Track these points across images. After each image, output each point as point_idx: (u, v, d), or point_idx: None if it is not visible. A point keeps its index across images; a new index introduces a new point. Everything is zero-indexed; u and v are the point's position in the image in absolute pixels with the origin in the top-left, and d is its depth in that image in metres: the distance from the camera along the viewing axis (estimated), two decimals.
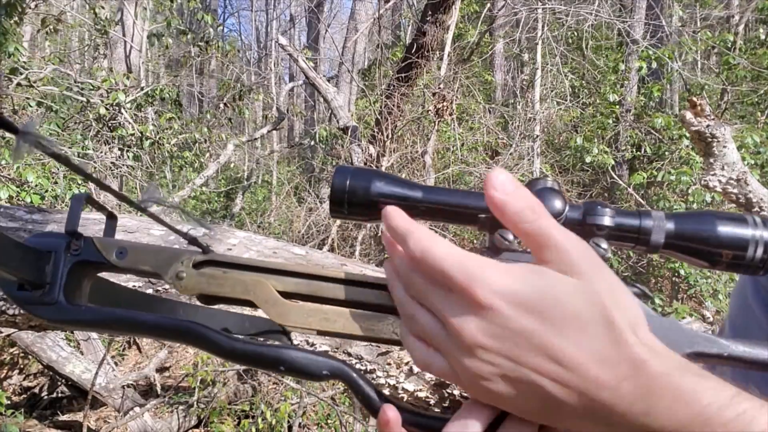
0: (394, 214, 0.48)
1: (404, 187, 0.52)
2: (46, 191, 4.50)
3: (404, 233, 0.46)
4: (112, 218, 0.58)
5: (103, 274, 0.56)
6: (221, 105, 8.10)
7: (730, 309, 0.83)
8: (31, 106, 5.58)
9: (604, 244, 0.50)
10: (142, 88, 6.37)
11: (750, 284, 0.79)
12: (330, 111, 6.82)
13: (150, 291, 1.94)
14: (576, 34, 9.03)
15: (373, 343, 1.84)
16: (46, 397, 5.03)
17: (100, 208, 0.56)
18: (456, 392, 1.35)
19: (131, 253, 0.52)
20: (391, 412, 0.48)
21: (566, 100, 8.26)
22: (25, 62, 5.32)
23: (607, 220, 0.50)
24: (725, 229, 0.49)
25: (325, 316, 0.51)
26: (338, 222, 5.58)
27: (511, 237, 0.50)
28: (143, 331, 0.51)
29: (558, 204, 0.51)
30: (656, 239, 0.50)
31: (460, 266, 0.42)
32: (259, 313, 0.54)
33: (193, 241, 0.54)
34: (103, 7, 6.94)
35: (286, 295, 0.52)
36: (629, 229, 0.50)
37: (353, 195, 0.51)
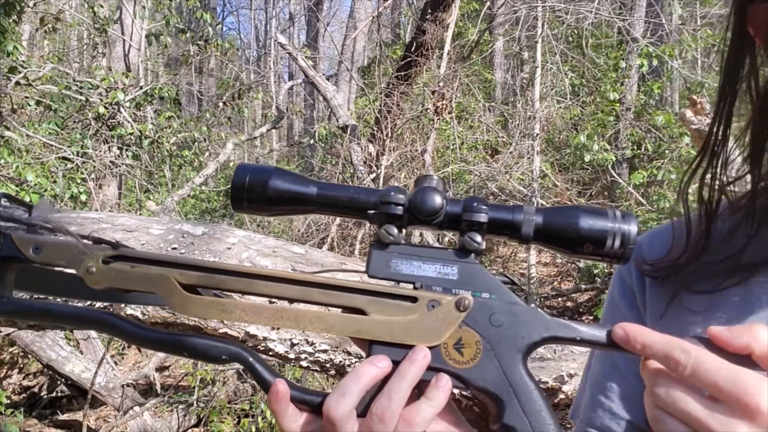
0: (636, 330, 0.52)
1: (300, 183, 0.56)
2: (45, 190, 4.49)
3: (664, 348, 0.49)
4: (28, 207, 0.62)
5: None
6: (220, 104, 8.10)
7: (602, 311, 0.89)
8: (30, 105, 5.57)
9: (479, 238, 0.55)
10: (141, 87, 6.36)
11: (616, 283, 0.84)
12: (329, 109, 6.82)
13: None
14: (576, 32, 9.01)
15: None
16: (45, 396, 5.03)
17: (21, 203, 0.61)
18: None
19: (46, 249, 0.56)
20: (281, 385, 0.53)
21: (566, 99, 8.25)
22: (24, 61, 5.30)
23: (482, 215, 0.54)
24: (587, 222, 0.53)
25: (222, 308, 0.55)
26: (338, 220, 5.57)
27: (395, 232, 0.55)
28: (60, 321, 0.57)
29: (437, 200, 0.54)
30: (526, 232, 0.54)
31: (733, 378, 0.46)
32: None
33: (99, 240, 0.57)
34: (101, 6, 6.93)
35: (190, 288, 0.55)
36: (502, 223, 0.55)
37: (251, 191, 0.55)
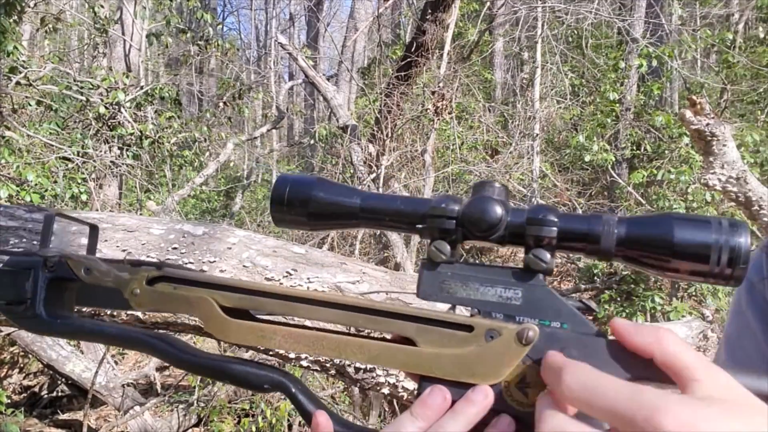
0: (555, 356, 0.45)
1: (344, 195, 0.52)
2: (46, 190, 4.50)
3: (560, 368, 0.44)
4: (94, 229, 0.63)
5: None
6: (221, 104, 8.10)
7: (728, 318, 0.80)
8: (30, 105, 5.58)
9: (547, 256, 0.48)
10: (141, 87, 6.37)
11: (745, 292, 0.76)
12: (329, 110, 6.82)
13: None
14: (576, 32, 9.02)
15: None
16: (46, 396, 5.03)
17: (77, 221, 0.62)
18: None
19: (95, 271, 0.56)
20: (321, 417, 0.49)
21: (566, 99, 8.26)
22: (24, 61, 5.31)
23: (551, 229, 0.47)
24: (684, 234, 0.44)
25: (261, 334, 0.52)
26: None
27: (447, 249, 0.49)
28: (109, 341, 0.57)
29: (496, 212, 0.48)
30: (606, 246, 0.46)
31: (636, 399, 0.40)
32: None
33: (141, 262, 0.57)
34: (102, 6, 6.93)
35: (230, 310, 0.53)
36: (576, 235, 0.47)
37: (291, 205, 0.52)
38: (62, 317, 0.57)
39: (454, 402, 0.47)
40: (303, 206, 0.52)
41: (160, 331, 0.58)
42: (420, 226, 0.50)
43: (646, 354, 0.43)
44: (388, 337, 0.52)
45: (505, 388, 0.47)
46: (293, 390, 0.51)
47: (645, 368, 0.44)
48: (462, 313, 0.50)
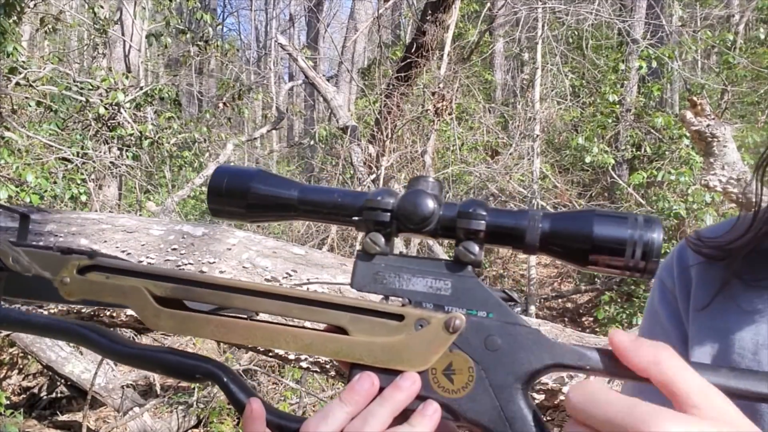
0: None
1: (281, 186, 0.53)
2: (45, 191, 4.49)
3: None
4: (25, 218, 0.61)
5: None
6: (220, 104, 8.09)
7: (643, 316, 0.83)
8: (30, 106, 5.58)
9: (475, 248, 0.49)
10: (141, 88, 6.36)
11: (656, 289, 0.78)
12: (329, 110, 6.82)
13: None
14: (576, 33, 9.02)
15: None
16: (45, 397, 5.02)
17: (9, 210, 0.61)
18: None
19: (23, 259, 0.55)
20: (255, 404, 0.50)
21: (566, 100, 8.26)
22: (24, 62, 5.31)
23: (480, 222, 0.49)
24: (601, 229, 0.46)
25: (194, 323, 0.52)
26: (335, 228, 5.56)
27: (382, 241, 0.50)
28: (35, 331, 0.56)
29: (429, 205, 0.49)
30: (531, 240, 0.48)
31: (630, 412, 0.41)
32: None
33: (72, 250, 0.55)
34: (102, 7, 6.93)
35: (164, 300, 0.53)
36: (503, 230, 0.49)
37: (230, 196, 0.52)
38: None
39: (382, 389, 0.49)
40: (242, 197, 0.52)
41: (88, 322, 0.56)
42: (356, 218, 0.51)
43: (643, 374, 0.43)
44: (321, 327, 0.53)
45: (433, 375, 0.49)
46: (225, 379, 0.51)
47: (563, 355, 0.47)
48: (394, 302, 0.51)
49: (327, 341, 0.51)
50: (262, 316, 0.55)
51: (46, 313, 1.85)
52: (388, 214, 0.50)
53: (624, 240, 0.46)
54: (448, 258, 0.51)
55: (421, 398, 0.48)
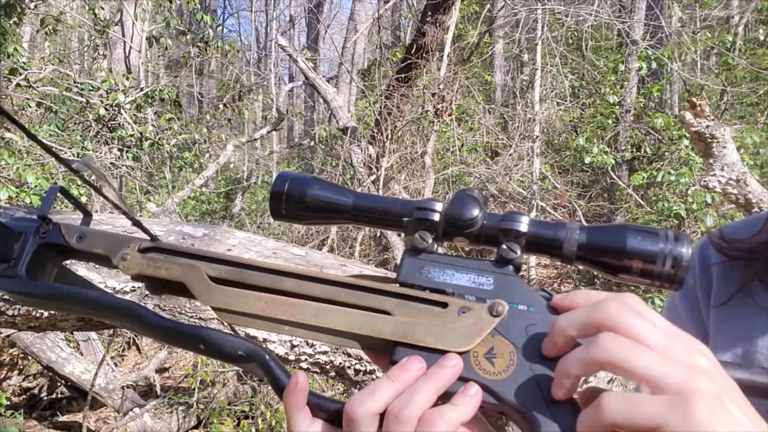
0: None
1: (337, 193, 0.57)
2: (46, 192, 4.49)
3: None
4: (87, 216, 0.64)
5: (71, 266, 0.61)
6: (221, 105, 8.10)
7: (662, 313, 0.85)
8: (30, 107, 5.58)
9: (517, 249, 0.53)
10: (141, 89, 6.37)
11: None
12: (329, 111, 6.82)
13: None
14: (576, 34, 9.03)
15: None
16: (45, 397, 5.03)
17: (75, 203, 0.64)
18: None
19: (88, 238, 0.58)
20: (301, 377, 0.51)
21: (566, 101, 8.26)
22: (24, 63, 5.31)
23: (522, 227, 0.52)
24: (634, 242, 0.50)
25: (245, 298, 0.54)
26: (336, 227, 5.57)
27: (429, 238, 0.53)
28: (83, 307, 0.57)
29: (474, 210, 0.53)
30: (568, 250, 0.52)
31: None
32: None
33: (138, 224, 0.60)
34: (102, 8, 6.94)
35: (217, 280, 0.55)
36: (543, 239, 0.53)
37: (289, 200, 0.56)
38: (41, 282, 0.58)
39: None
40: (300, 201, 0.56)
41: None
42: (406, 219, 0.55)
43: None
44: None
45: (474, 358, 0.51)
46: (267, 358, 0.53)
47: None
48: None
49: (372, 320, 0.53)
50: None
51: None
52: (438, 214, 0.54)
53: (655, 253, 0.50)
54: (490, 259, 0.54)
55: (462, 380, 0.50)
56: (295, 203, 0.57)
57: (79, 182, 5.02)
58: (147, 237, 0.59)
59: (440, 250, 0.55)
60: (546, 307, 0.51)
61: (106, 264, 0.58)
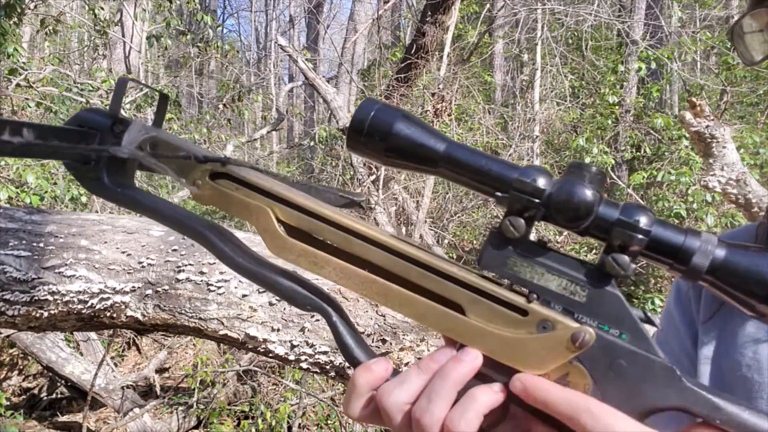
0: (535, 385, 0.46)
1: (428, 135, 0.49)
2: (46, 192, 4.49)
3: (568, 410, 0.45)
4: (164, 98, 0.60)
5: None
6: (220, 106, 8.10)
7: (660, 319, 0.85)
8: (30, 107, 5.58)
9: (626, 261, 0.44)
10: (141, 89, 6.37)
11: (674, 289, 0.80)
12: (329, 111, 6.82)
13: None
14: (575, 34, 9.03)
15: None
16: (45, 397, 5.02)
17: (146, 86, 0.62)
18: None
19: (162, 147, 0.54)
20: (389, 365, 0.49)
21: (566, 101, 8.26)
22: (24, 63, 5.31)
23: (642, 234, 0.43)
24: None
25: (314, 260, 0.51)
26: None
27: (522, 227, 0.46)
28: (162, 220, 0.53)
29: (587, 201, 0.44)
30: (699, 263, 0.43)
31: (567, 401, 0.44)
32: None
33: (205, 159, 0.54)
34: (102, 8, 6.94)
35: (287, 225, 0.52)
36: (668, 246, 0.44)
37: (371, 132, 0.49)
38: (122, 186, 0.53)
39: (484, 375, 0.48)
40: (382, 140, 0.48)
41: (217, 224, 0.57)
42: (500, 194, 0.46)
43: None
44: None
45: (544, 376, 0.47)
46: (333, 318, 0.51)
47: (695, 401, 0.44)
48: (520, 294, 0.48)
49: (442, 316, 0.48)
50: None
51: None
52: (537, 201, 0.45)
53: None
54: (591, 263, 0.47)
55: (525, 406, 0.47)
56: (377, 141, 0.49)
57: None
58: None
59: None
60: (639, 337, 0.45)
61: (177, 180, 0.54)
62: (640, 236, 0.43)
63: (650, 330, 0.47)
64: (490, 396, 0.46)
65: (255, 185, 0.52)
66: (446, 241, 6.65)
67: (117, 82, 0.54)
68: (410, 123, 0.49)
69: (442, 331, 0.49)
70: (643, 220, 0.43)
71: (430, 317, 0.48)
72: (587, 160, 6.82)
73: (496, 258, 0.47)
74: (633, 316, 0.45)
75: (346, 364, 1.77)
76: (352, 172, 6.07)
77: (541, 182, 0.45)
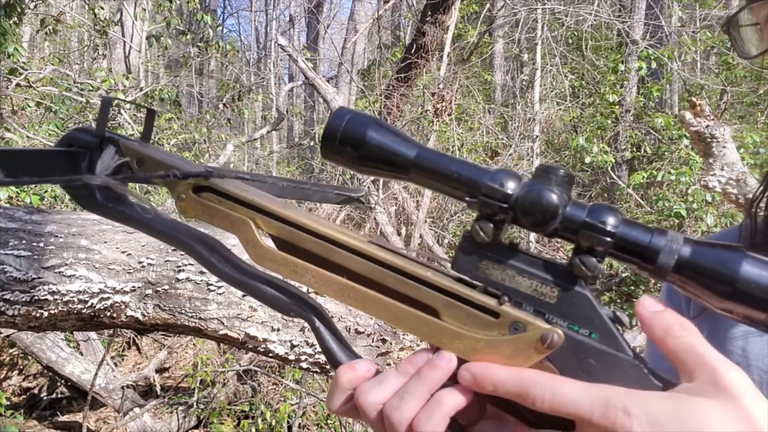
0: (483, 370, 0.47)
1: (399, 142, 0.49)
2: (46, 192, 4.49)
3: (517, 386, 0.45)
4: (151, 113, 0.61)
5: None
6: (220, 105, 8.10)
7: None
8: (30, 107, 5.58)
9: (593, 262, 0.45)
10: (141, 89, 6.37)
11: (664, 287, 0.80)
12: (329, 111, 6.82)
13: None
14: (575, 34, 9.03)
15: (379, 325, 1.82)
16: (45, 397, 5.03)
17: (135, 105, 0.60)
18: None
19: (148, 164, 0.55)
20: (372, 366, 0.51)
21: (566, 101, 8.27)
22: (24, 63, 5.31)
23: (607, 236, 0.44)
24: (751, 274, 0.41)
25: (294, 268, 0.52)
26: (341, 218, 5.56)
27: (491, 231, 0.47)
28: (153, 234, 0.56)
29: (552, 205, 0.45)
30: (664, 261, 0.44)
31: (590, 400, 0.42)
32: None
33: (186, 175, 0.55)
34: (102, 8, 6.94)
35: (269, 235, 0.54)
36: (634, 246, 0.44)
37: (344, 141, 0.50)
38: (114, 200, 0.56)
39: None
40: (355, 148, 0.49)
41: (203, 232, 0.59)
42: (469, 199, 0.47)
43: (660, 346, 0.44)
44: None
45: None
46: (317, 324, 0.52)
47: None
48: (491, 296, 0.49)
49: (418, 320, 0.49)
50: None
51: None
52: (505, 205, 0.46)
53: None
54: (561, 263, 0.48)
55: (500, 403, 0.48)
56: (349, 149, 0.50)
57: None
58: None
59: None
60: (608, 336, 0.46)
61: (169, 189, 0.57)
62: (607, 237, 0.44)
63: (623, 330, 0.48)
64: (456, 397, 0.47)
65: (237, 197, 0.54)
66: (446, 241, 6.65)
67: (101, 102, 0.56)
68: (382, 130, 0.50)
69: (419, 335, 0.50)
70: (610, 221, 0.44)
71: (407, 321, 0.50)
72: (587, 159, 6.82)
73: (468, 262, 0.49)
74: (602, 316, 0.46)
75: None
76: (351, 172, 6.06)
77: (509, 186, 0.46)
